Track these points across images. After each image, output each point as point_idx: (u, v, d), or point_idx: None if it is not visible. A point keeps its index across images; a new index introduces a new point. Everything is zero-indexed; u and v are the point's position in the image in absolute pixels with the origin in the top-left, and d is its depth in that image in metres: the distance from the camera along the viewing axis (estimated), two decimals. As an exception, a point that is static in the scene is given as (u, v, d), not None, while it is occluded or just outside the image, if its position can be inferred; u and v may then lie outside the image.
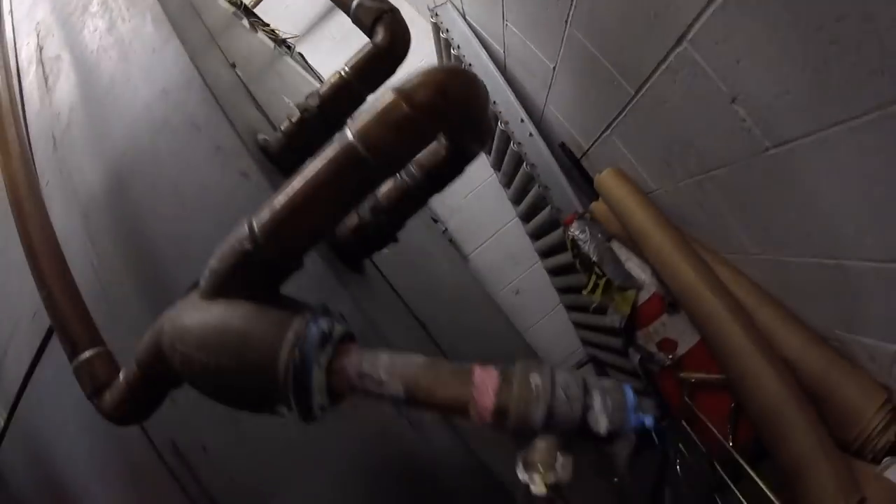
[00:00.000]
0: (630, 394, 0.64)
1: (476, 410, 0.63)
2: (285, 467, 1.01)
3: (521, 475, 0.63)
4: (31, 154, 1.42)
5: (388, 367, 0.65)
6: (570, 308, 3.64)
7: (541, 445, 0.62)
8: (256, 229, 0.68)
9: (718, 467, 2.14)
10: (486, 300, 3.37)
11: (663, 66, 1.61)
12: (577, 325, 3.60)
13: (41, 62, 1.58)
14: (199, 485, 1.07)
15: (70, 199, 1.32)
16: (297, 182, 0.66)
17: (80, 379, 0.97)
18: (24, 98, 1.58)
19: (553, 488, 0.61)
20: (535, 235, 3.62)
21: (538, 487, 0.61)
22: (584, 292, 2.59)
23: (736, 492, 1.97)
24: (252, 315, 0.68)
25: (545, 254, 3.60)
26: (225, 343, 0.67)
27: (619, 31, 1.72)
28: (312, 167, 0.66)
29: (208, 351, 0.68)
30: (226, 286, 0.71)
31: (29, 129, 1.51)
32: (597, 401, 0.63)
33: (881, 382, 1.71)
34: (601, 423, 0.62)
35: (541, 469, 0.61)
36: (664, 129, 1.88)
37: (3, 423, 1.41)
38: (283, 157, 1.12)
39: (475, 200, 3.94)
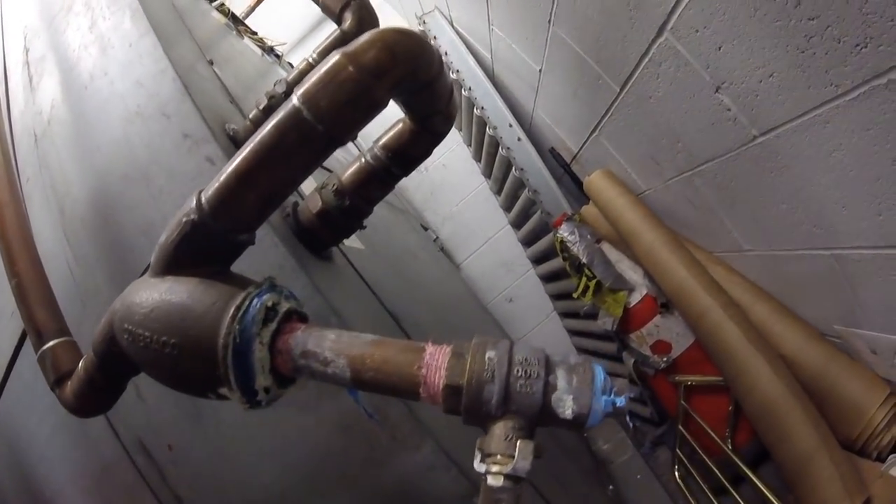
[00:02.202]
0: (600, 372, 0.58)
1: (426, 390, 0.58)
2: (246, 463, 0.98)
3: (478, 466, 0.57)
4: (14, 151, 1.43)
5: (334, 345, 0.61)
6: (564, 315, 3.59)
7: (498, 431, 0.56)
8: (204, 200, 0.66)
9: (717, 471, 2.08)
10: (476, 307, 3.34)
11: (646, 60, 1.59)
12: (572, 333, 3.55)
13: (27, 63, 1.59)
14: (165, 483, 1.04)
15: (48, 194, 1.33)
16: (245, 150, 0.64)
17: (43, 368, 0.95)
18: (10, 98, 1.60)
19: (511, 479, 0.55)
20: (527, 242, 3.61)
21: (494, 479, 0.55)
22: (575, 295, 2.54)
23: (735, 496, 1.91)
24: (197, 290, 0.65)
25: (537, 260, 3.57)
26: (168, 318, 0.64)
27: (601, 27, 1.71)
28: (260, 134, 0.64)
29: (152, 327, 0.64)
30: (174, 262, 0.69)
31: (13, 128, 1.53)
32: (561, 380, 0.57)
33: (883, 377, 1.66)
34: (566, 406, 0.56)
35: (498, 458, 0.56)
36: (651, 125, 1.85)
37: (-17, 429, 1.40)
38: (250, 143, 1.10)
39: (466, 209, 3.95)
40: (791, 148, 1.33)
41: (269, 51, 2.71)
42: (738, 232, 1.86)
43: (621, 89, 1.85)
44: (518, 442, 0.55)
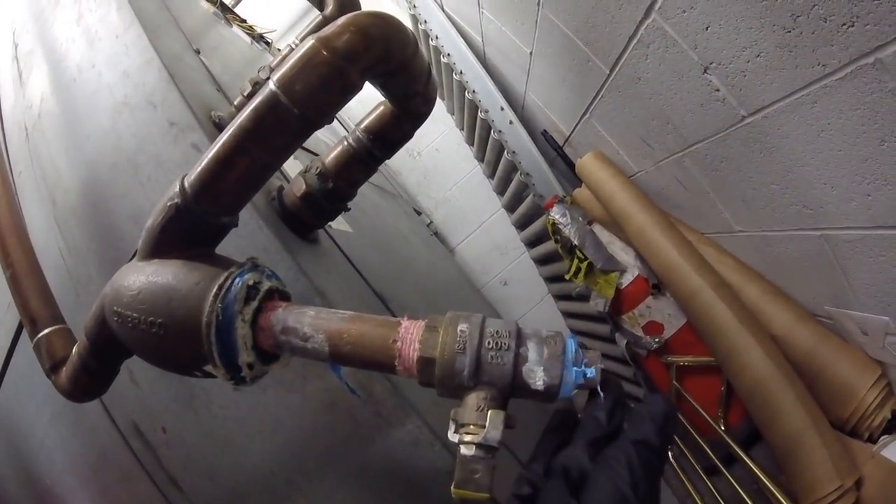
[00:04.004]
0: (571, 344, 0.59)
1: (401, 362, 0.60)
2: (236, 443, 1.01)
3: (452, 436, 0.59)
4: (6, 145, 1.44)
5: (313, 321, 0.63)
6: (558, 297, 3.62)
7: (471, 402, 0.58)
8: (187, 184, 0.67)
9: (710, 451, 2.10)
10: (470, 290, 3.36)
11: (634, 41, 1.59)
12: (566, 315, 3.58)
13: (16, 59, 1.60)
14: (160, 465, 1.07)
15: (40, 186, 1.35)
16: (225, 134, 0.65)
17: (39, 356, 0.97)
18: (1, 94, 1.61)
19: (483, 448, 0.57)
20: (521, 225, 3.62)
21: (467, 448, 0.57)
22: (567, 276, 2.55)
23: (728, 476, 1.93)
24: (181, 271, 0.66)
25: (531, 243, 3.59)
26: (155, 299, 0.66)
27: (590, 8, 1.70)
28: (239, 119, 0.65)
29: (140, 308, 0.66)
30: (160, 245, 0.70)
31: (4, 123, 1.54)
32: (532, 351, 0.58)
33: (874, 357, 1.67)
34: (537, 377, 0.57)
35: (471, 428, 0.57)
36: (641, 107, 1.85)
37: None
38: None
39: (460, 193, 3.97)
40: (780, 128, 1.34)
41: (259, 38, 2.71)
42: (728, 213, 1.87)
43: (611, 71, 1.85)
44: (489, 412, 0.57)
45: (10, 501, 1.38)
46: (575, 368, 0.58)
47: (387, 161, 1.66)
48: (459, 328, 0.58)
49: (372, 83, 0.76)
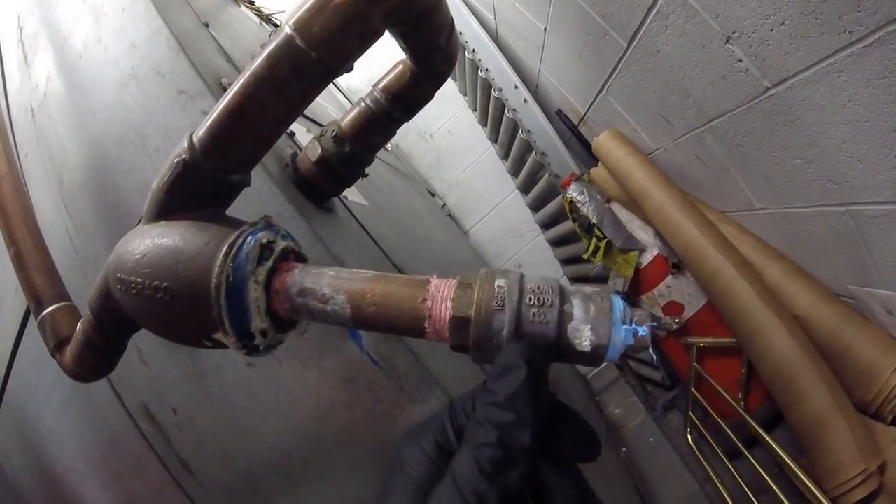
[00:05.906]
0: (619, 302, 0.53)
1: (432, 324, 0.54)
2: (250, 422, 0.97)
3: None
4: (12, 128, 1.42)
5: (333, 281, 0.57)
6: (574, 280, 3.57)
7: None
8: (195, 139, 0.63)
9: (731, 433, 2.05)
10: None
11: (653, 12, 1.54)
12: (583, 297, 3.54)
13: (21, 42, 1.58)
14: (171, 448, 1.03)
15: (46, 166, 1.32)
16: (236, 84, 0.61)
17: (43, 335, 0.93)
18: (5, 77, 1.59)
19: None
20: (535, 206, 3.58)
21: None
22: (585, 255, 2.51)
23: (749, 458, 1.89)
24: (189, 231, 0.61)
25: (546, 225, 3.55)
26: (160, 262, 0.60)
27: (607, -22, 1.66)
28: (251, 67, 0.61)
29: (144, 272, 0.61)
30: (167, 206, 0.66)
31: (10, 105, 1.52)
32: (577, 309, 0.52)
33: (899, 339, 1.62)
34: (584, 337, 0.51)
35: None
36: (660, 81, 1.80)
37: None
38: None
39: (473, 175, 3.93)
40: (804, 99, 1.29)
41: (267, 20, 2.68)
42: (750, 190, 1.82)
43: (629, 45, 1.80)
44: None
45: (22, 490, 1.36)
46: (625, 327, 0.52)
47: (399, 143, 1.61)
48: (497, 283, 0.52)
49: (392, 33, 0.72)
